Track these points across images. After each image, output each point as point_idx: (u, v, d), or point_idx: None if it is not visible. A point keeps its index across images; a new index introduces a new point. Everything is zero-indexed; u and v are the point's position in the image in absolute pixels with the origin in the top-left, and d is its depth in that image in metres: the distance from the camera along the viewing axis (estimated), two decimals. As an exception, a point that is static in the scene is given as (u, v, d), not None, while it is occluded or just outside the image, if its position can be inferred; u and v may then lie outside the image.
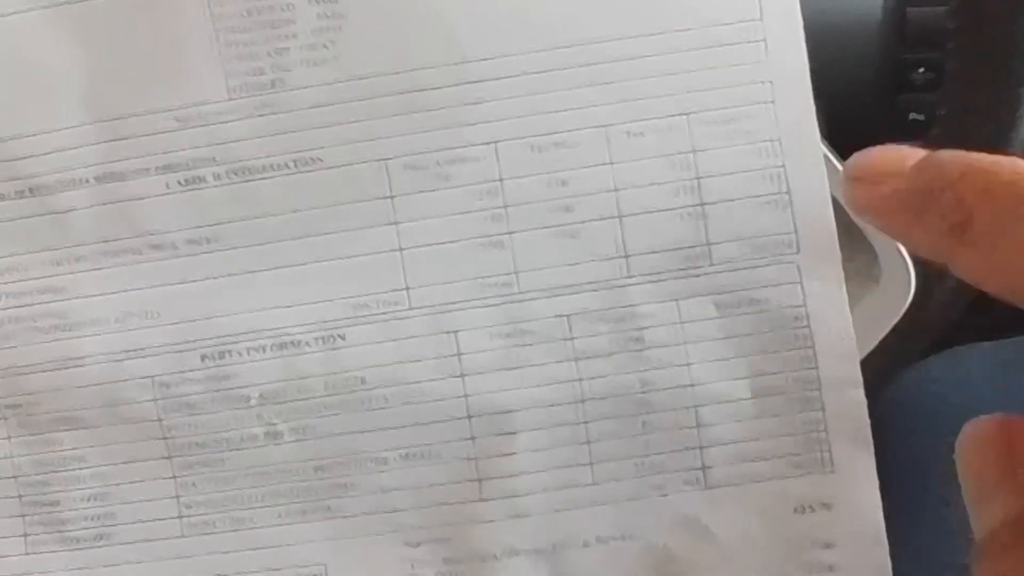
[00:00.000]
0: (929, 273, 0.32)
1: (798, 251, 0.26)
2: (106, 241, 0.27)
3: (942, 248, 0.20)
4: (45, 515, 0.28)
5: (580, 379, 0.27)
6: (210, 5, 0.26)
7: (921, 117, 0.40)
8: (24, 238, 0.27)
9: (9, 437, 0.28)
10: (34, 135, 0.27)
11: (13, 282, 0.27)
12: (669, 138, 0.26)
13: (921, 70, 0.41)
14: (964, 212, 0.19)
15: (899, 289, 0.31)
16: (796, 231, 0.26)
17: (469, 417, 0.27)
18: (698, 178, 0.26)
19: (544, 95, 0.26)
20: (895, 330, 0.32)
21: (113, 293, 0.27)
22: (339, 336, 0.27)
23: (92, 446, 0.27)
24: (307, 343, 0.27)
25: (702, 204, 0.26)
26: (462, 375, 0.27)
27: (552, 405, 0.27)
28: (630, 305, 0.26)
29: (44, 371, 0.27)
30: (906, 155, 0.22)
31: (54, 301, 0.27)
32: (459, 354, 0.27)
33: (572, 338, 0.27)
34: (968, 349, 0.44)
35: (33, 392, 0.27)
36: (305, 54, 0.26)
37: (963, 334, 0.40)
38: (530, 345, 0.27)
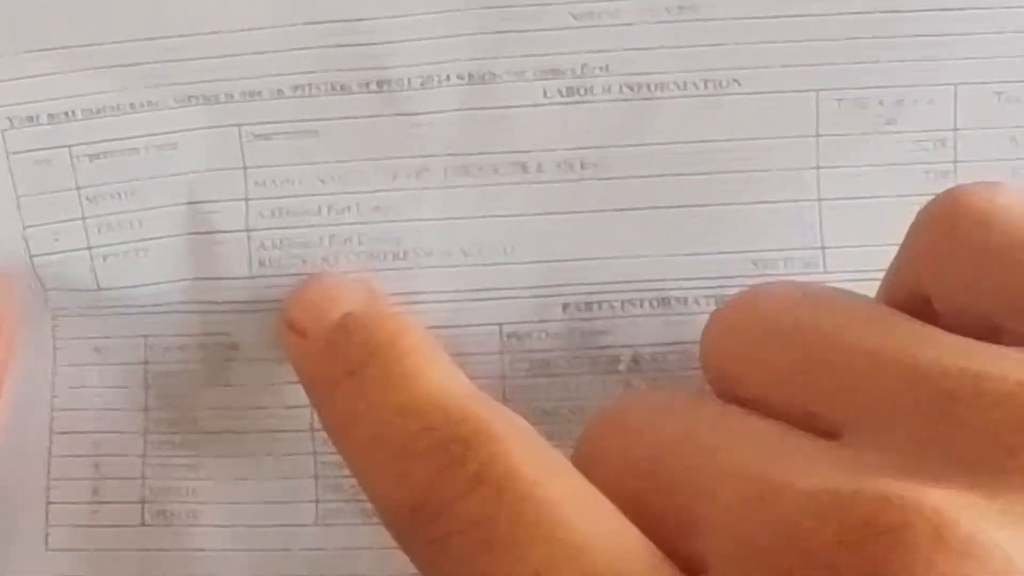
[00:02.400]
0: None
1: None
2: (461, 155, 0.22)
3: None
4: (344, 479, 0.23)
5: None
6: None
7: None
8: (362, 142, 0.22)
9: (311, 382, 0.23)
10: (397, 17, 0.22)
11: (341, 193, 0.22)
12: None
13: None
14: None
15: None
16: None
17: None
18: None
19: (1018, 35, 0.22)
20: None
21: (460, 219, 0.22)
22: (738, 297, 0.22)
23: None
24: (695, 301, 0.22)
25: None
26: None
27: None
28: None
29: (364, 306, 0.22)
30: (330, 304, 0.21)
31: (387, 222, 0.22)
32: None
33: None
34: None
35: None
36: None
37: None
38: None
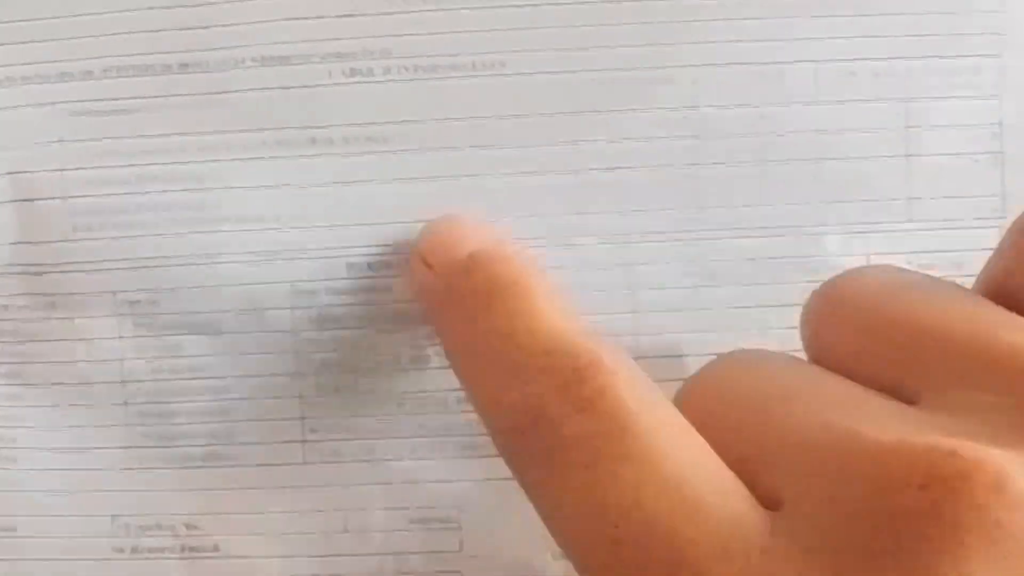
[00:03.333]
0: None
1: (1004, 215, 0.25)
2: (258, 130, 0.25)
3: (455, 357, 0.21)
4: (154, 428, 0.25)
5: (763, 329, 0.25)
6: None
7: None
8: (171, 118, 0.24)
9: (121, 336, 0.25)
10: (205, 5, 0.24)
11: (153, 164, 0.25)
12: (883, 82, 0.24)
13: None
14: None
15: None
16: (1004, 195, 0.25)
17: (638, 358, 0.25)
18: (907, 127, 0.25)
19: (757, 21, 0.25)
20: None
21: (260, 187, 0.25)
22: (505, 258, 0.25)
23: (215, 354, 0.25)
24: (471, 261, 0.25)
25: (907, 156, 0.25)
26: (634, 311, 0.25)
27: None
28: (823, 256, 0.25)
29: (172, 265, 0.25)
30: (457, 242, 0.23)
31: (193, 190, 0.25)
32: (634, 288, 0.25)
33: (757, 284, 0.25)
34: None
35: (156, 288, 0.25)
36: (504, -54, 0.24)
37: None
38: (713, 287, 0.25)
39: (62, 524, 0.25)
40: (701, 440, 0.18)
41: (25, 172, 0.25)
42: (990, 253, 0.24)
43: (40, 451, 0.25)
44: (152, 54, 0.24)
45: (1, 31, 0.24)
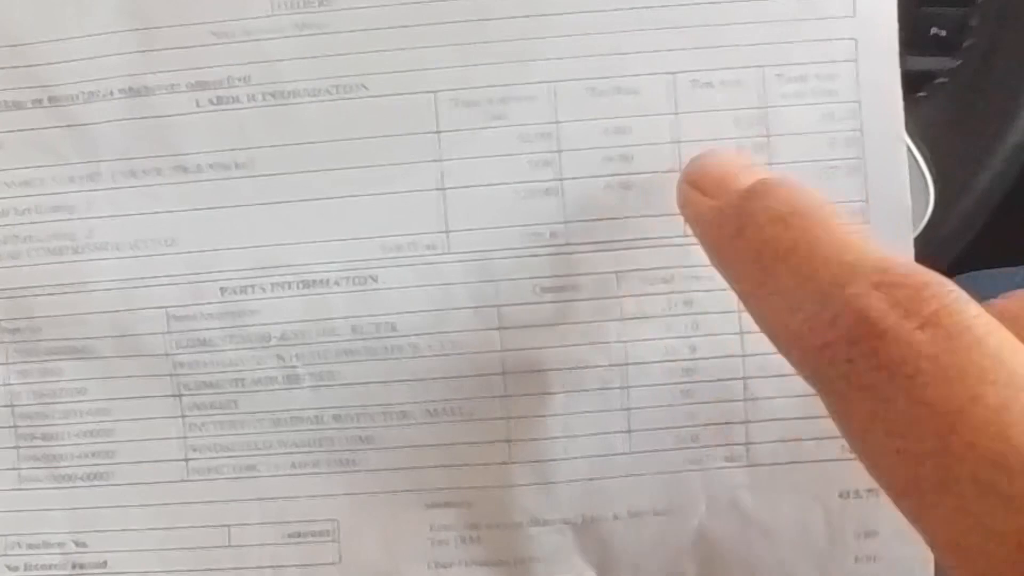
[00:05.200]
0: (946, 189, 0.31)
1: (868, 220, 0.25)
2: (126, 159, 0.25)
3: (747, 281, 0.20)
4: (39, 449, 0.26)
5: (624, 341, 0.25)
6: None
7: (943, 33, 0.37)
8: (39, 151, 0.25)
9: (7, 363, 0.26)
10: (59, 40, 0.25)
11: (23, 196, 0.25)
12: (740, 91, 0.24)
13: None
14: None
15: (918, 208, 0.29)
16: (867, 199, 0.25)
17: (504, 373, 0.25)
18: (768, 136, 0.25)
19: (610, 35, 0.25)
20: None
21: (129, 215, 0.25)
22: (371, 277, 0.25)
23: (95, 378, 0.25)
24: (336, 282, 0.25)
25: (770, 163, 0.25)
26: (500, 328, 0.25)
27: (592, 367, 0.25)
28: (685, 266, 0.25)
29: (49, 295, 0.25)
30: (738, 172, 0.22)
31: (65, 220, 0.25)
32: (498, 305, 0.25)
33: (619, 296, 0.25)
34: (984, 274, 0.43)
35: (36, 316, 0.25)
36: (357, -29, 0.24)
37: (978, 261, 0.38)
38: (574, 301, 0.25)
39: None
40: None
41: (-97, 207, 0.25)
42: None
43: None
44: (17, 89, 0.25)
45: None
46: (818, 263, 0.19)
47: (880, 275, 0.18)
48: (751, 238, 0.20)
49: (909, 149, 0.25)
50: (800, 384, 0.19)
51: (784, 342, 0.19)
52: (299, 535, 0.26)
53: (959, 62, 0.36)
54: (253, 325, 0.25)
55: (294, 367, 0.25)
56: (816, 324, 0.18)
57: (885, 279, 0.18)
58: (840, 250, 0.19)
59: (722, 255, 0.22)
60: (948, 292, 0.17)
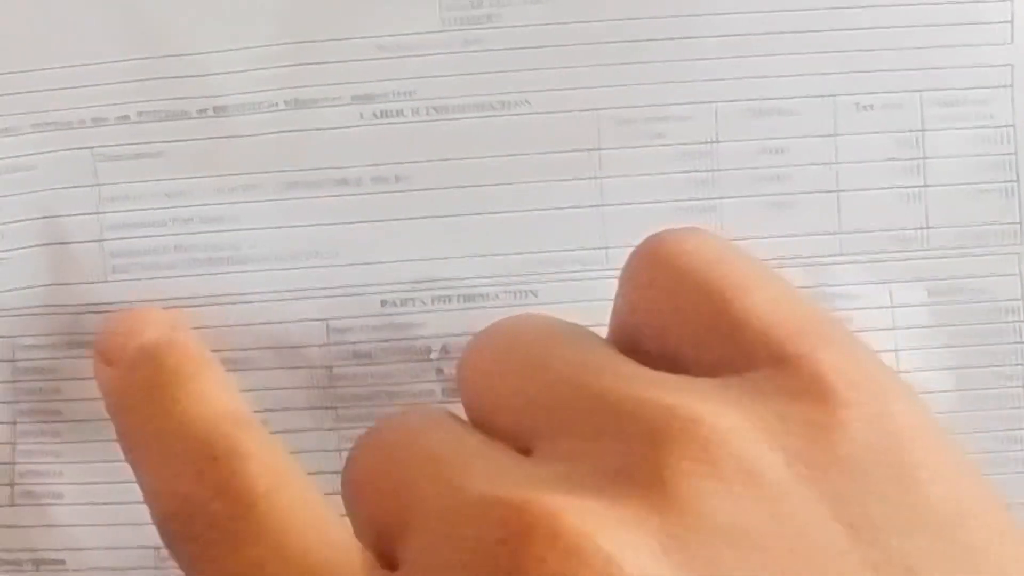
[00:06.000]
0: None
1: (1022, 242, 0.25)
2: (285, 171, 0.25)
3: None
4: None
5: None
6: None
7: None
8: (199, 161, 0.25)
9: (160, 374, 0.26)
10: (226, 51, 0.25)
11: (182, 207, 0.25)
12: (898, 114, 0.25)
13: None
14: None
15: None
16: (1021, 221, 0.25)
17: None
18: (924, 158, 0.25)
19: (770, 58, 0.25)
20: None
21: (290, 227, 0.25)
22: (531, 292, 0.25)
23: (252, 390, 0.25)
24: (496, 296, 0.25)
25: (924, 186, 0.25)
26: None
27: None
28: (839, 284, 0.25)
29: (207, 305, 0.25)
30: (137, 337, 0.23)
31: (225, 231, 0.25)
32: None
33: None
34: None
35: (193, 328, 0.25)
36: (526, -10, 0.25)
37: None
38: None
39: (107, 557, 0.25)
40: (331, 515, 0.19)
41: (61, 216, 0.25)
42: (1008, 280, 0.25)
43: (84, 485, 0.25)
44: (184, 99, 0.25)
45: (33, 78, 0.25)
46: (166, 435, 0.21)
47: (192, 444, 0.20)
48: (129, 407, 0.22)
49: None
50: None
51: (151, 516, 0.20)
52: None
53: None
54: (413, 338, 0.25)
55: (455, 381, 0.25)
56: (157, 500, 0.20)
57: (195, 449, 0.20)
58: (183, 420, 0.20)
59: (115, 426, 0.23)
60: (241, 457, 0.19)
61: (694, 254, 0.19)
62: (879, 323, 0.25)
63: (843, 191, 0.25)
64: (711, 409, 0.16)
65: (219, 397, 0.21)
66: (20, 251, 0.25)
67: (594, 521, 0.15)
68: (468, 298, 0.25)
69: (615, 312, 0.21)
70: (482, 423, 0.20)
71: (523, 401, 0.19)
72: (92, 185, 0.25)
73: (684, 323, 0.19)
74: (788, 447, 0.16)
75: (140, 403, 0.22)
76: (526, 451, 0.18)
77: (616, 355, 0.19)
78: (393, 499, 0.18)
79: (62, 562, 0.25)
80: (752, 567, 0.15)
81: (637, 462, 0.16)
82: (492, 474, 0.17)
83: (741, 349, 0.18)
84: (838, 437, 0.16)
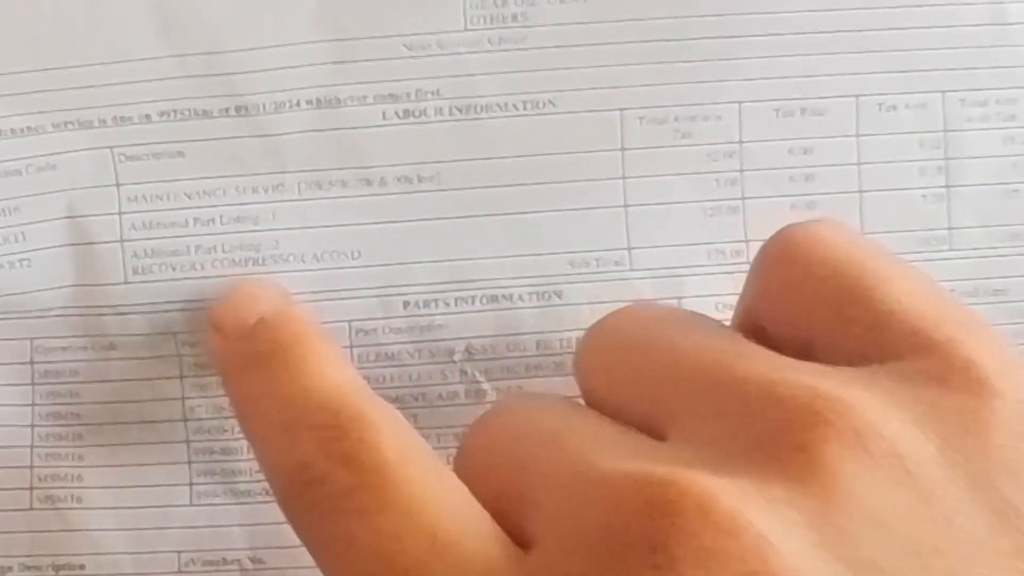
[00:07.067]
0: None
1: None
2: (312, 171, 0.25)
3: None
4: (216, 464, 0.25)
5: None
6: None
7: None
8: (223, 161, 0.25)
9: (183, 376, 0.25)
10: (254, 49, 0.25)
11: (206, 207, 0.25)
12: (923, 115, 0.25)
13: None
14: None
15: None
16: (1048, 222, 0.25)
17: None
18: (947, 159, 0.25)
19: (796, 58, 0.25)
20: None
21: (314, 227, 0.25)
22: (555, 293, 0.25)
23: (275, 391, 0.25)
24: (521, 297, 0.25)
25: (948, 186, 0.25)
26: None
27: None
28: None
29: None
30: (251, 310, 0.23)
31: (249, 231, 0.25)
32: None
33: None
34: None
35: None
36: (555, -11, 0.25)
37: None
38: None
39: (129, 561, 0.25)
40: (461, 488, 0.18)
41: (83, 216, 0.25)
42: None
43: (105, 489, 0.25)
44: (207, 98, 0.25)
45: (54, 76, 0.25)
46: (284, 406, 0.21)
47: (314, 415, 0.20)
48: (244, 379, 0.22)
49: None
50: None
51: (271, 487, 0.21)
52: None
53: None
54: (438, 340, 0.25)
55: (478, 382, 0.25)
56: (277, 470, 0.20)
57: (317, 420, 0.19)
58: (302, 390, 0.21)
59: (229, 396, 0.23)
60: (370, 427, 0.19)
61: (830, 243, 0.20)
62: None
63: (867, 191, 0.25)
64: (860, 395, 0.16)
65: (342, 368, 0.21)
66: (42, 251, 0.25)
67: (745, 499, 0.15)
68: (492, 299, 0.25)
69: (743, 299, 0.21)
70: (605, 410, 0.20)
71: (651, 387, 0.19)
72: (114, 185, 0.25)
73: (821, 312, 0.19)
74: (941, 434, 0.16)
75: (259, 372, 0.22)
76: (657, 436, 0.18)
77: (747, 340, 0.19)
78: (516, 476, 0.18)
79: (83, 567, 0.25)
80: (899, 551, 0.15)
81: (786, 444, 0.16)
82: (626, 452, 0.17)
83: (884, 338, 0.18)
84: (993, 426, 0.16)
